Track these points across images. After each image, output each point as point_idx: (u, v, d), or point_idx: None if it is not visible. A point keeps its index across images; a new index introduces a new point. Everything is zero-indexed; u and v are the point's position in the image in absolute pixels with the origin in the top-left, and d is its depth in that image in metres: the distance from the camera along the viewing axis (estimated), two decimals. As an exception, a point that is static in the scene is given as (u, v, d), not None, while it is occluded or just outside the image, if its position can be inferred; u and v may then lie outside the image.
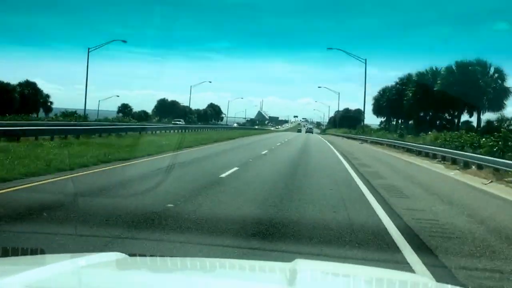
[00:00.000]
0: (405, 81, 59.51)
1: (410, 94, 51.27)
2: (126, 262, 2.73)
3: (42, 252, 3.35)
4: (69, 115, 64.21)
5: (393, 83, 65.33)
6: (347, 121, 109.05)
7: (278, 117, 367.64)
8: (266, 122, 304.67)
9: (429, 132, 39.68)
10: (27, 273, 2.08)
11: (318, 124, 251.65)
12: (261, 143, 41.83)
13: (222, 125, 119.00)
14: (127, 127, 45.53)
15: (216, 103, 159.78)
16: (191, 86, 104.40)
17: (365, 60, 63.53)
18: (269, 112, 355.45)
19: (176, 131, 56.26)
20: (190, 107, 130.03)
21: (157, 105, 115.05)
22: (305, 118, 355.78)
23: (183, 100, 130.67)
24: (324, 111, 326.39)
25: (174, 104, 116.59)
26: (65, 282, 2.11)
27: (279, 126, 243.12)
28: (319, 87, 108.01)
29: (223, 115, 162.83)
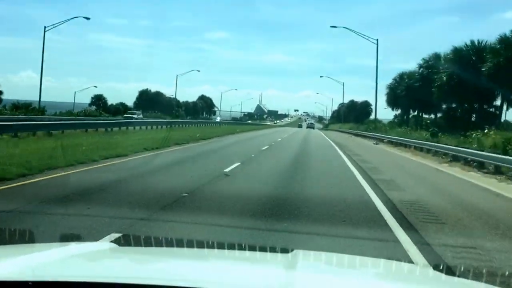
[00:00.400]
0: (431, 63, 47.26)
1: (444, 78, 38.69)
2: (116, 251, 2.67)
3: (31, 233, 3.24)
4: (20, 107, 52.78)
5: (416, 67, 52.58)
6: (353, 115, 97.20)
7: (277, 111, 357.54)
8: (265, 116, 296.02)
9: (486, 131, 27.70)
10: (14, 260, 2.08)
11: (320, 119, 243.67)
12: (242, 146, 30.15)
13: (205, 119, 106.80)
14: (65, 123, 33.83)
15: (212, 96, 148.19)
16: (177, 75, 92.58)
17: (377, 40, 51.91)
18: (269, 105, 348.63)
19: (151, 127, 45.29)
20: (178, 99, 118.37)
21: (138, 96, 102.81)
22: (306, 112, 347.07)
23: (180, 94, 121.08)
24: (326, 104, 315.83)
25: (159, 95, 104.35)
26: (51, 270, 2.03)
27: (278, 121, 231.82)
28: (321, 76, 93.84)
29: (216, 109, 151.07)
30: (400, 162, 23.78)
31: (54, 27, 54.22)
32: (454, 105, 42.45)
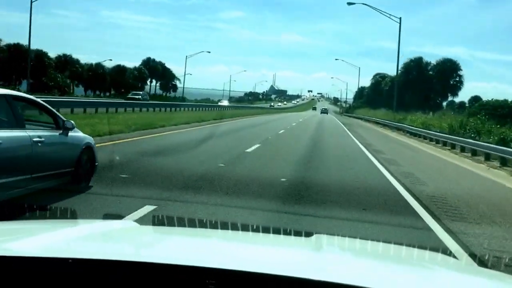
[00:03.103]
0: None
1: None
2: (144, 230, 2.72)
3: (74, 213, 3.24)
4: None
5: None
6: (421, 87, 42.92)
7: (286, 91, 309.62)
8: (274, 97, 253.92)
9: None
10: (45, 236, 2.09)
11: (336, 101, 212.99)
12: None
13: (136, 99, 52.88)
14: None
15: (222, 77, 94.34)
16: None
17: None
18: (283, 87, 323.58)
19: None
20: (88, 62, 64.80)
21: None
22: (321, 93, 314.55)
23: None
24: (347, 80, 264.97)
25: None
26: (87, 247, 2.04)
27: (280, 103, 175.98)
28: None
29: (177, 82, 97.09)
30: None
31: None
32: None
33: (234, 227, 3.15)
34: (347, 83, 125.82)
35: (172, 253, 2.04)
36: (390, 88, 58.45)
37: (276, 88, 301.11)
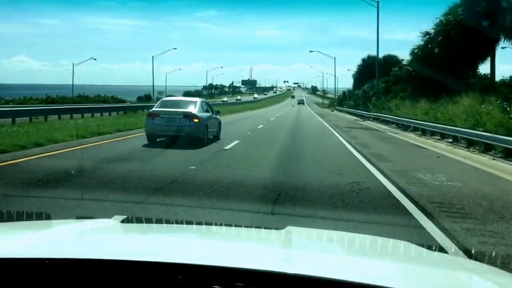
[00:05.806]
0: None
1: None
2: (117, 228, 2.72)
3: (48, 216, 3.26)
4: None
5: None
6: None
7: (255, 81, 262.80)
8: (246, 90, 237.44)
9: None
10: (21, 238, 2.09)
11: (314, 90, 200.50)
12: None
13: None
14: None
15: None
16: None
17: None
18: (258, 79, 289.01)
19: None
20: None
21: None
22: (297, 83, 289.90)
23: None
24: (327, 69, 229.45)
25: None
26: (65, 247, 2.02)
27: (226, 99, 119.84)
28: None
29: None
30: None
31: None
32: None
33: (210, 225, 3.18)
34: (335, 57, 78.08)
35: (143, 250, 2.02)
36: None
37: (251, 81, 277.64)
